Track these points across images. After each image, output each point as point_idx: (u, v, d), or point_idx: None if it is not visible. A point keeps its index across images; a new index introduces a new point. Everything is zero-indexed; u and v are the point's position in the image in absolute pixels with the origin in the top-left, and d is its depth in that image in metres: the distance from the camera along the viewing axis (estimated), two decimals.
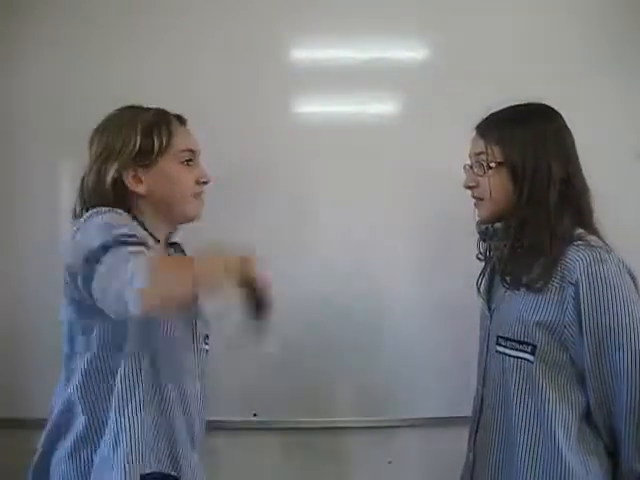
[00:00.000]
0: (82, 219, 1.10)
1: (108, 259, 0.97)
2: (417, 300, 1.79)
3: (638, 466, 1.14)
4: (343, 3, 1.83)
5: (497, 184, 1.24)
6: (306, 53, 1.86)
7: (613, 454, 1.18)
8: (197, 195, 1.25)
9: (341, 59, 1.83)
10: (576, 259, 1.15)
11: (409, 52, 1.87)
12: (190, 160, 1.24)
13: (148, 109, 1.23)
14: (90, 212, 1.10)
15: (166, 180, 1.20)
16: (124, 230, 1.02)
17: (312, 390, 1.78)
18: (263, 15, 1.82)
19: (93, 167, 1.18)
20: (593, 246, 1.17)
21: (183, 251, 1.33)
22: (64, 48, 1.81)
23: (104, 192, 1.16)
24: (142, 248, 1.00)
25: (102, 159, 1.17)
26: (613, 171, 1.75)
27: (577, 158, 1.25)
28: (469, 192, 1.31)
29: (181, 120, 1.27)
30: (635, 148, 1.79)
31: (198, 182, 1.25)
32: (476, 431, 1.32)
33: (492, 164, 1.23)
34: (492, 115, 1.28)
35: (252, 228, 1.79)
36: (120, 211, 1.12)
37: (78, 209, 1.21)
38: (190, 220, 1.27)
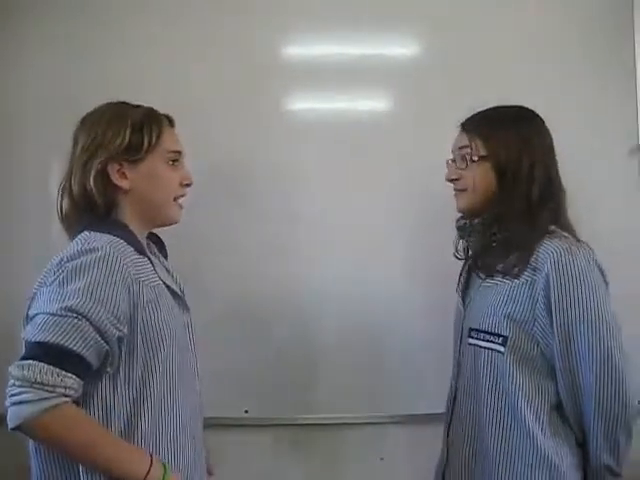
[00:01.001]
0: (68, 259, 1.07)
1: (33, 372, 0.98)
2: (410, 299, 1.80)
3: (605, 456, 1.17)
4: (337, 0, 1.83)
5: (480, 177, 1.26)
6: (298, 50, 1.86)
7: (582, 445, 1.21)
8: (178, 198, 1.25)
9: (334, 56, 1.83)
10: (547, 252, 1.18)
11: (403, 49, 1.87)
12: (176, 160, 1.24)
13: (137, 106, 1.23)
14: (79, 258, 1.06)
15: (151, 178, 1.20)
16: (83, 332, 1.02)
17: (303, 387, 1.79)
18: (255, 12, 1.82)
19: (80, 159, 1.17)
20: (563, 239, 1.20)
21: (163, 243, 1.33)
22: (61, 48, 1.81)
23: (89, 186, 1.16)
24: (69, 382, 1.00)
25: (90, 151, 1.16)
26: (608, 168, 1.77)
27: (555, 158, 1.28)
28: None
29: (170, 121, 1.27)
30: (629, 144, 1.80)
31: (182, 184, 1.25)
32: (449, 424, 1.34)
33: (475, 157, 1.26)
34: (477, 114, 1.31)
35: (246, 227, 1.79)
36: (115, 253, 1.09)
37: (67, 208, 1.20)
38: (169, 224, 1.27)
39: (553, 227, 1.23)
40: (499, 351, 1.20)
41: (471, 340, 1.27)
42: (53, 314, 1.02)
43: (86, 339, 1.02)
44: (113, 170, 1.17)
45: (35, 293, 1.10)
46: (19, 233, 1.79)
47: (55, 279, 1.06)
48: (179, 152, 1.24)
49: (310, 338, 1.79)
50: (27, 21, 1.82)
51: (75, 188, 1.17)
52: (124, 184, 1.18)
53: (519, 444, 1.19)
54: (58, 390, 0.98)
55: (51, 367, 0.99)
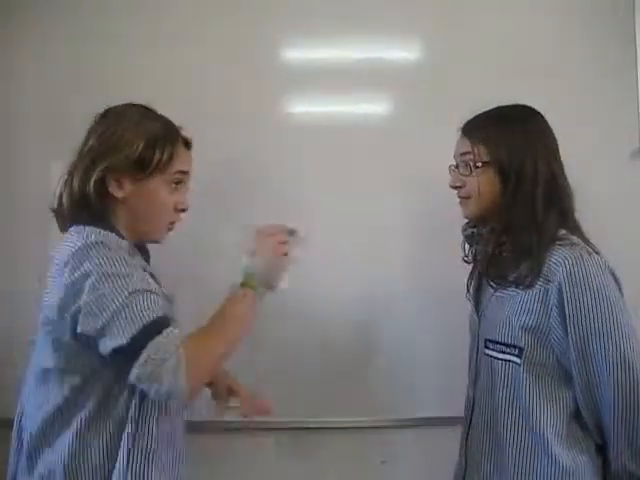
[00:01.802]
0: (71, 247, 1.09)
1: (147, 357, 1.01)
2: (412, 300, 1.79)
3: (628, 463, 1.15)
4: (336, 2, 1.83)
5: (484, 184, 1.25)
6: (298, 53, 1.86)
7: (603, 450, 1.19)
8: (171, 225, 1.24)
9: (333, 59, 1.83)
10: (558, 261, 1.16)
11: (402, 52, 1.87)
12: (179, 182, 1.22)
13: (156, 118, 1.21)
14: (78, 244, 1.08)
15: (148, 199, 1.19)
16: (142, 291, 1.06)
17: (307, 390, 1.78)
18: (255, 14, 1.82)
19: (86, 158, 1.16)
20: (574, 247, 1.18)
21: (147, 251, 1.31)
22: (62, 48, 1.81)
23: (88, 190, 1.15)
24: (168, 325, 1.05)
25: (97, 154, 1.15)
26: (609, 170, 1.76)
27: (560, 157, 1.26)
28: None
29: (187, 144, 1.25)
30: (630, 147, 1.79)
31: (176, 209, 1.23)
32: (467, 433, 1.33)
33: (478, 164, 1.24)
34: (477, 116, 1.29)
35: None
36: (109, 239, 1.11)
37: (66, 202, 1.19)
38: (152, 242, 1.27)
39: (563, 232, 1.21)
40: (515, 362, 1.19)
41: (487, 351, 1.26)
42: (121, 308, 1.03)
43: (157, 303, 1.07)
44: (112, 178, 1.16)
45: (61, 286, 1.08)
46: (19, 235, 1.78)
47: (85, 282, 1.05)
48: (186, 173, 1.22)
49: (311, 341, 1.78)
50: (28, 20, 1.83)
51: (75, 187, 1.16)
52: (119, 194, 1.17)
53: (537, 456, 1.18)
54: (173, 349, 1.01)
55: (155, 340, 1.01)
